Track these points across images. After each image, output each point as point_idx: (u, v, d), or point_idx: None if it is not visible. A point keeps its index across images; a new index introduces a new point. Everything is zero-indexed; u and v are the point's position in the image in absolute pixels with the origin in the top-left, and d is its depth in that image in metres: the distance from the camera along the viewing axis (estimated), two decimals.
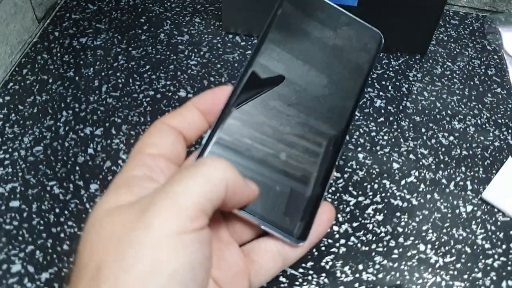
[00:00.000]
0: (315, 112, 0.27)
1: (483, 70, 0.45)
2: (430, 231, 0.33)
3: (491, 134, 0.39)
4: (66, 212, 0.33)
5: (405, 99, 0.42)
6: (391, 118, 0.40)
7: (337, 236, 0.33)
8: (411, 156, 0.37)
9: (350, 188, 0.35)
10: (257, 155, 0.25)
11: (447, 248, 0.32)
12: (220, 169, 0.20)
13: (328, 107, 0.27)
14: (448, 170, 0.37)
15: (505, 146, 0.39)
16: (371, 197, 0.35)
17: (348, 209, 0.34)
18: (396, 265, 0.31)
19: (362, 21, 0.30)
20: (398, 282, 0.30)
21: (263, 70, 0.27)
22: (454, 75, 0.44)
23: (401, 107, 0.41)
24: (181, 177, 0.20)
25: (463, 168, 0.37)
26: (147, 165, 0.22)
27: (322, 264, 0.31)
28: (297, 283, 0.30)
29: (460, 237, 0.33)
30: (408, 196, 0.35)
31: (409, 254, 0.32)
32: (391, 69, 0.45)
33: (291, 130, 0.26)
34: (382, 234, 0.33)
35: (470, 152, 0.38)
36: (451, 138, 0.39)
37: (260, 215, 0.24)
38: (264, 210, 0.24)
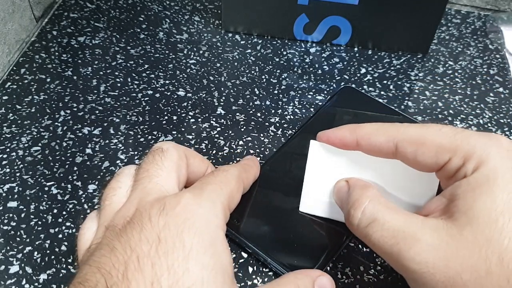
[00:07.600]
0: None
1: (485, 70, 0.44)
2: None
3: None
4: (64, 212, 0.33)
5: (406, 98, 0.41)
6: None
7: None
8: None
9: None
10: None
11: None
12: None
13: None
14: None
15: None
16: None
17: None
18: None
19: (405, 114, 0.39)
20: (400, 284, 0.30)
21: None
22: (456, 74, 0.44)
23: (402, 107, 0.41)
24: None
25: None
26: None
27: None
28: None
29: None
30: None
31: None
32: (392, 68, 0.44)
33: None
34: None
35: None
36: None
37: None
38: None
